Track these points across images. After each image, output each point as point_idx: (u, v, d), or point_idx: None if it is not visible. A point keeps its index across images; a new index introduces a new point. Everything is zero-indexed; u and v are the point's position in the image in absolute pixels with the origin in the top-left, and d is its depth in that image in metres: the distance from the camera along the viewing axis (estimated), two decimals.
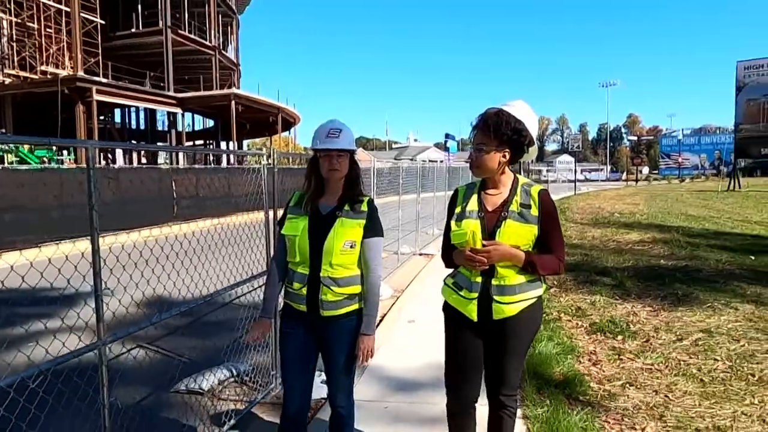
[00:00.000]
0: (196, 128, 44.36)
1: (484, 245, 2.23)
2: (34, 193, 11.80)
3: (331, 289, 2.40)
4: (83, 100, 26.27)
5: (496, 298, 2.28)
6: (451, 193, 2.55)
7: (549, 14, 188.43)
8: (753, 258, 8.63)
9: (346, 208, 2.44)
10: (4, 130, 27.37)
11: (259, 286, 4.10)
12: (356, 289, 2.46)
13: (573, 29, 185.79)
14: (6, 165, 19.78)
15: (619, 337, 5.02)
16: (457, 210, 2.39)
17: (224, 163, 32.94)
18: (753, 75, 32.55)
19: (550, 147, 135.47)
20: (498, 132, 2.24)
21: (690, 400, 3.72)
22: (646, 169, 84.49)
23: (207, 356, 4.88)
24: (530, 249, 2.29)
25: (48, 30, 27.19)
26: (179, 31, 33.42)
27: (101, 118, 32.18)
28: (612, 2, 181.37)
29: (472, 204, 2.36)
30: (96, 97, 26.26)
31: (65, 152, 26.31)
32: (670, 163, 76.91)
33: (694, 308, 5.90)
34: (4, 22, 26.64)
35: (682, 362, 4.43)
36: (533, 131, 2.32)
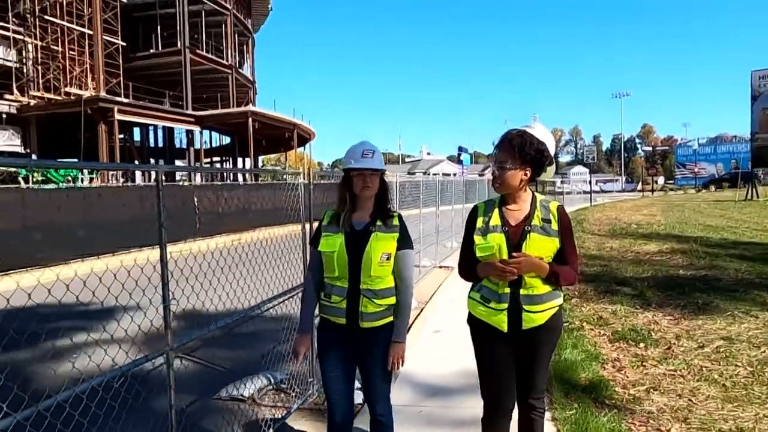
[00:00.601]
0: (213, 145, 45.11)
1: (513, 256, 2.35)
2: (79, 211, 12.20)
3: (372, 301, 2.54)
4: (105, 119, 26.96)
5: (525, 307, 2.40)
6: (470, 206, 2.76)
7: (560, 25, 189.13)
8: None
9: (379, 223, 2.59)
10: (29, 150, 28.12)
11: (286, 299, 4.34)
12: (393, 300, 2.61)
13: (584, 40, 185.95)
14: (28, 185, 20.33)
15: (642, 345, 5.16)
16: (480, 225, 2.51)
17: (240, 180, 33.46)
18: None
19: (564, 158, 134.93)
20: (522, 152, 2.38)
21: (713, 404, 3.86)
22: (661, 180, 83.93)
23: (242, 366, 5.10)
24: (551, 260, 2.42)
25: (72, 53, 27.99)
26: (197, 51, 34.22)
27: (121, 136, 32.89)
28: (624, 13, 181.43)
29: (495, 219, 2.47)
30: (118, 116, 26.94)
31: (86, 172, 26.90)
32: (686, 173, 76.25)
33: (715, 317, 6.02)
34: (30, 46, 27.50)
35: (704, 368, 4.56)
36: (551, 151, 2.49)
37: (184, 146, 38.47)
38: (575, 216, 22.58)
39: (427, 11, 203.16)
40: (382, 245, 2.54)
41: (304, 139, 41.79)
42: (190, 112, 32.06)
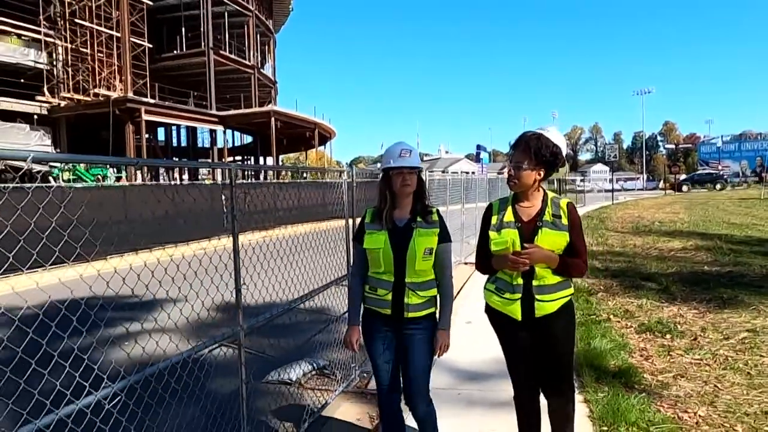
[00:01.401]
0: (235, 144, 45.84)
1: (525, 248, 2.52)
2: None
3: (417, 293, 2.69)
4: (132, 119, 27.66)
5: (537, 297, 2.58)
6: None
7: (580, 22, 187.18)
8: None
9: (419, 219, 2.72)
10: (59, 150, 28.88)
11: (318, 293, 4.59)
12: (434, 292, 2.76)
13: (605, 37, 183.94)
14: (60, 183, 20.94)
15: (668, 336, 5.35)
16: (494, 222, 2.68)
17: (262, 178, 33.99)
18: None
19: (584, 156, 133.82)
20: (538, 154, 2.56)
21: (738, 390, 4.06)
22: (683, 177, 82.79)
23: (283, 353, 5.40)
24: (561, 253, 2.59)
25: (100, 54, 28.74)
26: (220, 52, 34.84)
27: (146, 136, 33.65)
28: (645, 9, 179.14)
29: (509, 215, 2.64)
30: (145, 116, 27.61)
31: (113, 171, 27.59)
32: (708, 170, 75.15)
33: (740, 310, 6.17)
34: (60, 48, 28.32)
35: (729, 358, 4.74)
36: (564, 154, 2.67)
37: (207, 145, 39.20)
38: (597, 214, 22.59)
39: (447, 10, 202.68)
40: (424, 241, 2.68)
41: (325, 138, 42.23)
42: (213, 112, 32.66)
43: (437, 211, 2.82)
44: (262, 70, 41.32)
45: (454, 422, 3.63)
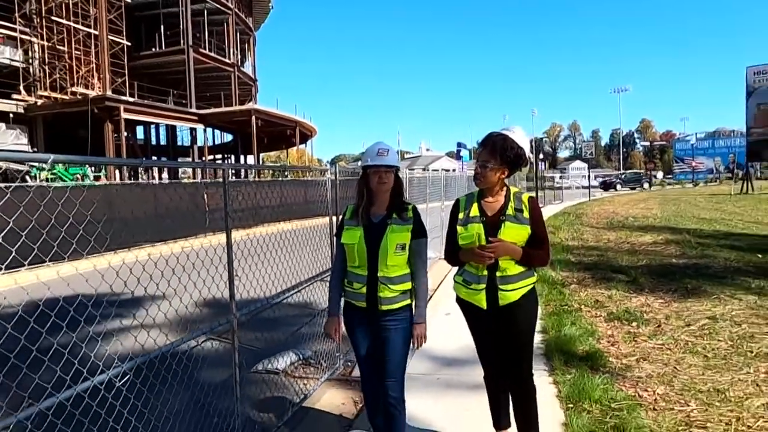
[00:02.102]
0: (216, 143, 45.58)
1: (490, 241, 2.71)
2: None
3: (388, 287, 2.81)
4: (111, 118, 27.43)
5: (501, 287, 2.76)
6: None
7: (558, 21, 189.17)
8: (760, 256, 9.20)
9: (394, 216, 2.84)
10: (36, 149, 28.53)
11: (304, 287, 4.82)
12: (408, 285, 2.87)
13: (583, 35, 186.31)
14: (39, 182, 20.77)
15: (634, 324, 5.68)
16: (461, 216, 2.85)
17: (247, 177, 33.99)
18: (763, 80, 32.93)
19: (563, 154, 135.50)
20: (503, 154, 2.75)
21: (695, 371, 4.39)
22: (660, 174, 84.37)
23: (269, 346, 5.61)
24: (524, 245, 2.76)
25: (77, 52, 28.43)
26: (200, 50, 34.66)
27: (125, 135, 33.36)
28: (622, 8, 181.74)
29: (474, 211, 2.82)
30: (124, 115, 27.40)
31: (92, 170, 27.34)
32: (684, 167, 76.68)
33: (702, 299, 6.54)
34: (36, 46, 27.96)
35: (689, 343, 5.08)
36: (528, 154, 2.86)
37: (187, 144, 38.97)
38: (574, 210, 23.10)
39: (426, 8, 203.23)
40: (397, 237, 2.80)
41: (306, 136, 42.26)
42: (193, 110, 32.52)
43: (413, 207, 2.94)
44: (242, 68, 41.17)
45: (432, 403, 3.90)
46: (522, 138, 2.81)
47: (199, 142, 35.65)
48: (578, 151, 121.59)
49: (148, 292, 3.08)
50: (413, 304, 2.91)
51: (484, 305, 2.79)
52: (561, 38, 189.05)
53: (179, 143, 43.14)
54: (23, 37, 27.35)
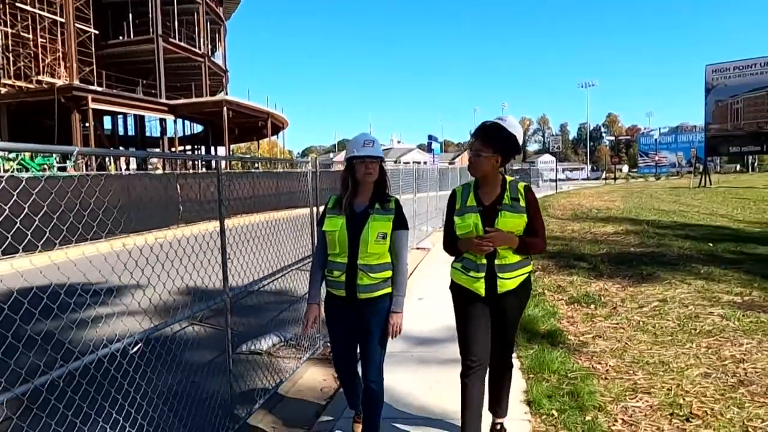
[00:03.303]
0: (186, 134, 45.07)
1: (487, 231, 2.72)
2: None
3: (368, 275, 2.84)
4: (79, 108, 26.98)
5: (500, 275, 2.77)
6: (444, 193, 3.37)
7: (529, 15, 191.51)
8: (711, 245, 9.83)
9: (377, 206, 2.87)
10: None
11: (282, 275, 5.10)
12: (387, 274, 2.90)
13: (552, 30, 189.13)
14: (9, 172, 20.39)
15: (592, 306, 6.14)
16: (458, 207, 2.85)
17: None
18: (720, 78, 34.38)
19: (532, 147, 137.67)
20: (496, 143, 2.75)
21: (644, 346, 4.84)
22: (626, 168, 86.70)
23: (252, 329, 5.89)
24: (521, 233, 2.78)
25: (43, 40, 27.82)
26: (170, 39, 34.21)
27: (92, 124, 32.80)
28: (590, 4, 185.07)
29: (471, 201, 2.82)
30: (92, 105, 26.98)
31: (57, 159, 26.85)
32: (648, 161, 78.96)
33: (655, 284, 7.06)
34: (0, 34, 27.25)
35: (641, 322, 5.55)
36: (520, 142, 2.91)
37: (156, 135, 38.49)
38: (541, 203, 23.52)
39: (398, 1, 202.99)
40: (378, 225, 2.83)
41: (278, 127, 42.17)
42: (163, 100, 32.15)
43: (396, 200, 2.98)
44: (212, 59, 40.77)
45: (408, 377, 4.25)
46: (514, 126, 2.83)
47: (169, 133, 35.28)
48: (547, 145, 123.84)
49: (124, 281, 3.08)
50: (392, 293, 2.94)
51: (482, 293, 2.80)
52: (531, 33, 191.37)
53: (148, 134, 42.55)
54: None
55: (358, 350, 3.07)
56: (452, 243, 2.93)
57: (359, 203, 2.90)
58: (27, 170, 22.43)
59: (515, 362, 4.39)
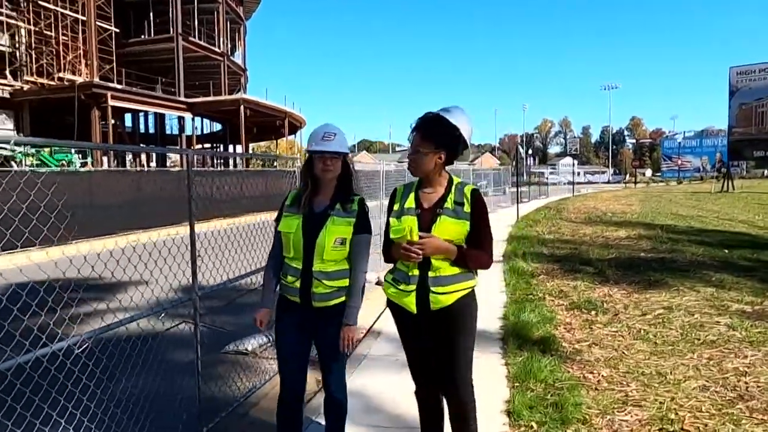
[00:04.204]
0: (204, 132, 45.48)
1: (420, 236, 2.39)
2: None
3: (323, 282, 2.59)
4: (99, 105, 27.30)
5: (432, 288, 2.42)
6: None
7: (551, 17, 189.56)
8: (726, 251, 9.51)
9: (338, 207, 2.63)
10: (21, 135, 28.38)
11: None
12: (346, 282, 2.66)
13: (574, 32, 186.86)
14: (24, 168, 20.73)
15: (593, 312, 5.92)
16: (396, 207, 2.55)
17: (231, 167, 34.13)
18: (745, 80, 33.51)
19: (553, 150, 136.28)
20: (436, 137, 2.44)
21: (641, 356, 4.63)
22: (649, 172, 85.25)
23: (243, 329, 5.80)
24: (462, 243, 2.45)
25: (65, 38, 28.25)
26: (189, 38, 34.51)
27: (112, 122, 33.24)
28: (614, 5, 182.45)
29: (410, 202, 2.51)
30: (111, 102, 27.27)
31: (78, 156, 27.27)
32: (672, 165, 77.62)
33: (662, 291, 6.80)
34: (23, 31, 27.73)
35: (642, 330, 5.33)
36: (467, 135, 2.50)
37: (176, 133, 38.89)
38: (556, 205, 23.42)
39: (421, 3, 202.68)
40: (336, 230, 2.59)
41: (295, 127, 42.27)
42: (182, 99, 32.43)
43: (360, 200, 2.71)
44: (232, 58, 41.06)
45: (391, 380, 4.10)
46: (459, 118, 2.48)
47: (188, 131, 35.58)
48: (568, 148, 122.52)
49: (125, 279, 3.19)
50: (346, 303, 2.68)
51: (413, 308, 2.46)
52: (553, 34, 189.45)
53: (168, 132, 43.04)
54: (10, 21, 27.09)
55: (312, 362, 2.84)
56: (388, 248, 2.61)
57: (319, 202, 2.67)
58: (46, 166, 22.82)
59: (503, 370, 4.26)
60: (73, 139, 26.24)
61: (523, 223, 15.49)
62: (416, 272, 2.45)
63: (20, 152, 23.32)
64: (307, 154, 2.72)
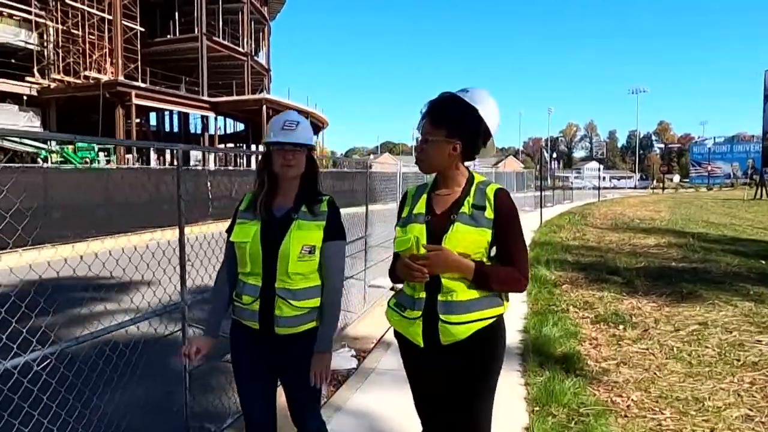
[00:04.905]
0: (228, 132, 45.77)
1: (426, 249, 1.90)
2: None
3: (288, 303, 2.12)
4: (123, 103, 27.61)
5: (442, 317, 1.90)
6: None
7: (577, 19, 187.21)
8: (764, 262, 8.95)
9: (303, 209, 2.18)
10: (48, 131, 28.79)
11: None
12: (316, 302, 2.19)
13: (602, 35, 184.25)
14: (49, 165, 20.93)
15: (621, 327, 5.51)
16: (404, 213, 2.08)
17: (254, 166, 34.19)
18: None
19: (578, 154, 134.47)
20: (449, 121, 1.94)
21: (675, 378, 4.22)
22: (677, 178, 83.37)
23: None
24: (483, 258, 1.93)
25: (91, 37, 28.66)
26: (214, 38, 34.75)
27: (138, 120, 33.57)
28: (642, 7, 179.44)
29: (420, 206, 2.03)
30: (135, 101, 27.58)
31: (103, 154, 27.56)
32: (701, 171, 75.85)
33: (696, 304, 6.34)
34: (51, 30, 28.18)
35: (675, 348, 4.90)
36: (491, 121, 1.98)
37: (199, 132, 39.16)
38: (581, 210, 22.79)
39: (444, 4, 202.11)
40: (303, 236, 2.14)
41: (317, 127, 42.25)
42: (205, 98, 32.63)
43: (330, 201, 2.26)
44: (255, 58, 41.25)
45: (400, 400, 3.76)
46: (481, 100, 1.97)
47: (211, 131, 35.79)
48: (593, 152, 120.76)
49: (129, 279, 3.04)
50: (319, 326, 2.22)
51: (419, 341, 1.95)
52: (579, 37, 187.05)
53: (192, 131, 43.40)
54: (38, 20, 27.55)
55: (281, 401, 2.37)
56: (394, 264, 2.09)
57: (280, 205, 2.21)
58: (70, 162, 23.04)
59: (522, 390, 3.89)
60: (99, 136, 26.54)
61: (546, 228, 15.00)
62: (423, 295, 1.94)
63: (45, 149, 23.63)
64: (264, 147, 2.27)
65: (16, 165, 16.53)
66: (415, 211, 2.02)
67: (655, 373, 4.31)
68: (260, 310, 2.14)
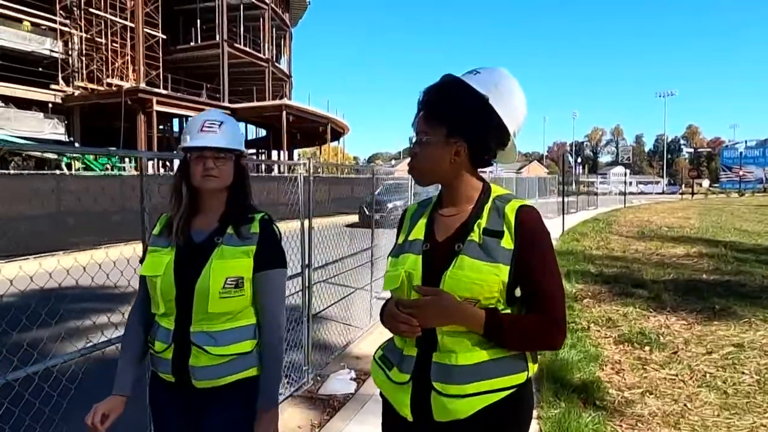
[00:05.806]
0: (249, 138, 45.97)
1: (418, 291, 1.39)
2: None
3: (205, 350, 1.69)
4: (144, 110, 27.78)
5: (436, 385, 1.38)
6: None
7: (603, 21, 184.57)
8: None
9: (230, 231, 1.76)
10: (72, 139, 29.16)
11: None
12: (246, 346, 1.75)
13: (628, 36, 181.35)
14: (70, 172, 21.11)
15: (647, 348, 5.05)
16: (399, 240, 1.59)
17: (275, 172, 34.11)
18: None
19: (604, 158, 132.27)
20: (446, 113, 1.42)
21: (709, 410, 3.77)
22: (706, 182, 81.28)
23: None
24: (499, 305, 1.38)
25: (114, 45, 28.95)
26: (235, 45, 34.86)
27: (160, 127, 33.78)
28: (669, 8, 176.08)
29: (418, 231, 1.51)
30: (156, 107, 27.71)
31: (127, 160, 27.81)
32: (731, 176, 73.75)
33: (730, 322, 5.84)
34: (75, 38, 28.55)
35: (707, 374, 4.44)
36: (509, 114, 1.44)
37: None
38: (606, 217, 22.08)
39: (467, 7, 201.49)
40: (226, 266, 1.71)
41: (338, 133, 42.13)
42: (226, 104, 32.68)
43: (264, 219, 1.82)
44: (276, 64, 41.32)
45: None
46: (495, 83, 1.43)
47: None
48: (619, 157, 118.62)
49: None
50: (259, 375, 1.77)
51: (407, 413, 1.43)
52: (605, 39, 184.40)
53: None
54: (63, 28, 27.95)
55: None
56: (384, 305, 1.57)
57: (200, 227, 1.78)
58: (91, 169, 23.23)
59: (534, 426, 3.48)
60: (120, 144, 26.76)
61: (568, 236, 14.44)
62: (413, 353, 1.42)
63: (67, 156, 23.91)
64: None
65: (42, 172, 16.69)
66: (410, 237, 1.51)
67: (685, 405, 3.86)
68: (173, 359, 1.71)
